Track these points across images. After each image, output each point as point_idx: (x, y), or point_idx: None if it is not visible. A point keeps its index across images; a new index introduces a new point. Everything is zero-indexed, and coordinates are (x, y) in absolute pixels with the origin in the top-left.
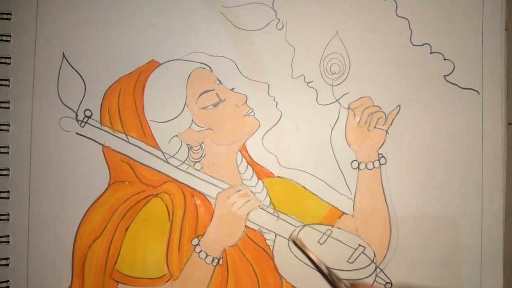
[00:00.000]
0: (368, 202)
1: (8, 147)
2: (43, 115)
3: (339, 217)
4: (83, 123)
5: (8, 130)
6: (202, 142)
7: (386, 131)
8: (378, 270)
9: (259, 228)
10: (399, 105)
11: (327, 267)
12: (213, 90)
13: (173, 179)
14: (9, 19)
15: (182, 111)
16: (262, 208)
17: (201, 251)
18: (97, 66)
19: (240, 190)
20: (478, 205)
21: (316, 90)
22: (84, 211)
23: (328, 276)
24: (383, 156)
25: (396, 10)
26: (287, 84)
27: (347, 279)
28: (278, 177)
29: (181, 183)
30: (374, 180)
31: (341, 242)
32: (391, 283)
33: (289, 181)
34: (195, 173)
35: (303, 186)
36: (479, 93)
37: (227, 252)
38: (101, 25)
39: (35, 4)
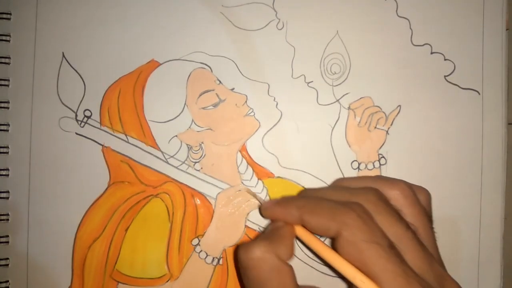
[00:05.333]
0: None
1: (7, 147)
2: (43, 115)
3: None
4: (82, 123)
5: (7, 130)
6: (202, 143)
7: (387, 132)
8: None
9: (259, 228)
10: (400, 106)
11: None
12: (213, 90)
13: (173, 179)
14: (9, 19)
15: (182, 111)
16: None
17: (201, 251)
18: (97, 66)
19: (240, 191)
20: (477, 205)
21: (317, 90)
22: (84, 211)
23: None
24: (383, 157)
25: (396, 10)
26: (287, 84)
27: None
28: (278, 177)
29: (181, 183)
30: None
31: None
32: None
33: (289, 182)
34: (195, 174)
35: (303, 187)
36: (479, 94)
37: (227, 252)
38: (101, 25)
39: (35, 4)
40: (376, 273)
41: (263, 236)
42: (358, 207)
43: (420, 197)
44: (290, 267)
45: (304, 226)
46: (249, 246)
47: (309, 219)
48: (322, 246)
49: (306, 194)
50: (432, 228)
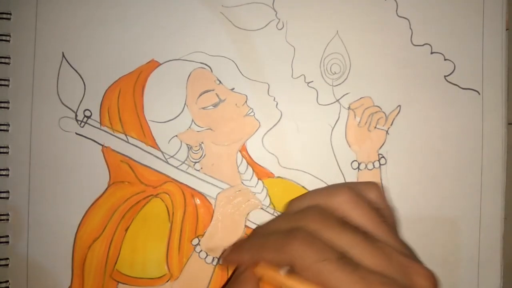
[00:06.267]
0: None
1: (7, 147)
2: (43, 115)
3: None
4: (82, 123)
5: (7, 130)
6: (202, 143)
7: (387, 132)
8: None
9: None
10: (400, 106)
11: None
12: (213, 90)
13: (173, 179)
14: (9, 19)
15: (182, 111)
16: (262, 208)
17: (201, 251)
18: (97, 66)
19: (240, 191)
20: (477, 205)
21: (317, 90)
22: (84, 211)
23: None
24: (383, 157)
25: (396, 10)
26: (287, 84)
27: None
28: (278, 177)
29: (181, 183)
30: (374, 180)
31: None
32: None
33: (289, 182)
34: (195, 174)
35: (303, 187)
36: (479, 93)
37: None
38: (101, 25)
39: (35, 4)
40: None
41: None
42: (300, 233)
43: (369, 194)
44: None
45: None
46: None
47: (262, 258)
48: (283, 279)
49: (256, 232)
50: (383, 222)
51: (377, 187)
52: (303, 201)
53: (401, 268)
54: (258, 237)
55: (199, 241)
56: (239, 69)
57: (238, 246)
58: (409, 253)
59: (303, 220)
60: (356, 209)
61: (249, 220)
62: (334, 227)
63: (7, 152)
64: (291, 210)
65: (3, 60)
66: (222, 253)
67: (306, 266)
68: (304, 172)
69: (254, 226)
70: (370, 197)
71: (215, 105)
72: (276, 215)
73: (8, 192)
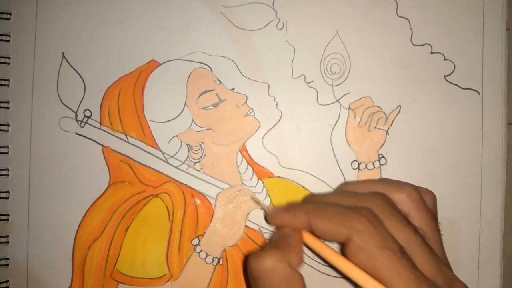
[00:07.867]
0: None
1: (7, 147)
2: (43, 115)
3: None
4: (82, 123)
5: (7, 130)
6: (202, 143)
7: (387, 132)
8: None
9: (259, 228)
10: (400, 105)
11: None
12: (213, 90)
13: (173, 179)
14: (9, 19)
15: (182, 111)
16: (262, 208)
17: (201, 251)
18: (97, 66)
19: (240, 191)
20: (477, 205)
21: (317, 90)
22: (84, 211)
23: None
24: (383, 157)
25: (396, 10)
26: (287, 84)
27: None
28: (278, 177)
29: (181, 183)
30: None
31: None
32: None
33: (289, 181)
34: (195, 174)
35: (303, 186)
36: (479, 93)
37: (227, 252)
38: (101, 24)
39: (35, 4)
40: (388, 279)
41: (272, 244)
42: (367, 212)
43: (426, 200)
44: (301, 275)
45: (312, 232)
46: (260, 255)
47: (318, 225)
48: (331, 252)
49: (312, 200)
50: (439, 231)
51: (433, 195)
52: (364, 186)
53: (448, 281)
54: (317, 204)
55: (199, 241)
56: (239, 69)
57: (293, 208)
58: (451, 270)
59: (369, 202)
60: (418, 211)
61: (249, 220)
62: (398, 219)
63: (7, 152)
64: (349, 191)
65: (3, 60)
66: (270, 212)
67: (364, 247)
68: (304, 172)
69: (254, 226)
70: (429, 204)
71: (215, 105)
72: None
73: (8, 192)
